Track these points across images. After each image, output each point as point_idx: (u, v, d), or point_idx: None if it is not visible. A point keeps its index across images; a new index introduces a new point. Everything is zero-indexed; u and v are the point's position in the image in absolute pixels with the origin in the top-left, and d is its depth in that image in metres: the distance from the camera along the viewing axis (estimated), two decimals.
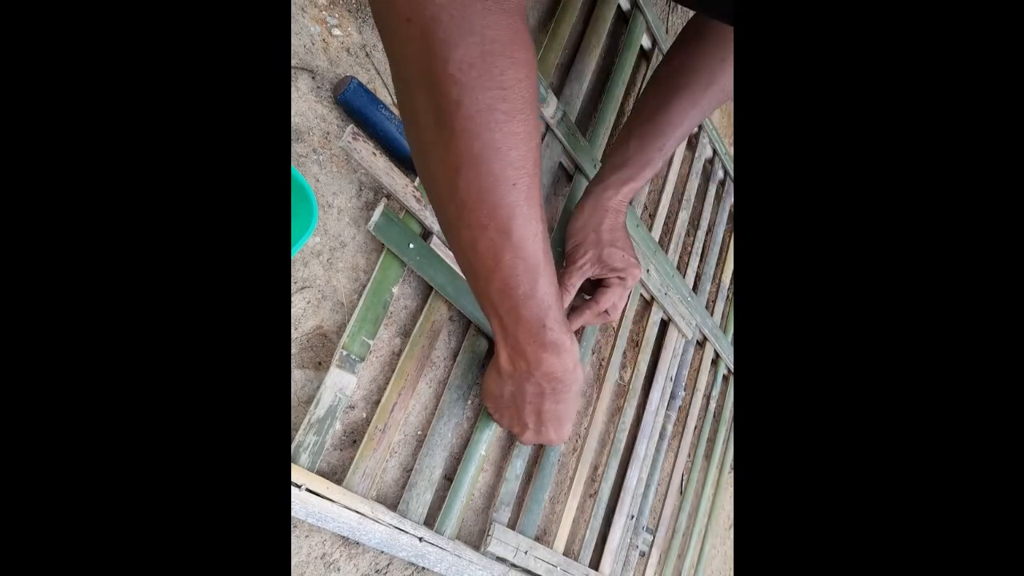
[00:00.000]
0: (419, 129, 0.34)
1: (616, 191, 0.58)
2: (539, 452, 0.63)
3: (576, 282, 0.57)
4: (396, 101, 0.46)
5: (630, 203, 0.74)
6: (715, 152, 0.93)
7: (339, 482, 0.45)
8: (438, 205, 0.37)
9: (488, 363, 0.50)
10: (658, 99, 0.58)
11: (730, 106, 1.01)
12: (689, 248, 0.90)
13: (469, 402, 0.56)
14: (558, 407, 0.49)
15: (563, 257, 0.59)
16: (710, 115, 0.63)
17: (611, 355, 0.71)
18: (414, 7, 0.29)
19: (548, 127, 0.61)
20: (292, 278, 0.44)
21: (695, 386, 0.90)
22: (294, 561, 0.44)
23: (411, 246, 0.48)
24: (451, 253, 0.51)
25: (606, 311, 0.59)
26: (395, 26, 0.30)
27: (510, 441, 0.61)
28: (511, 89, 0.31)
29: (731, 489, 1.06)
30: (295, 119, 0.44)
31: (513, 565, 0.59)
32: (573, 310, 0.60)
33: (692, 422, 0.88)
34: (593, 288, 0.60)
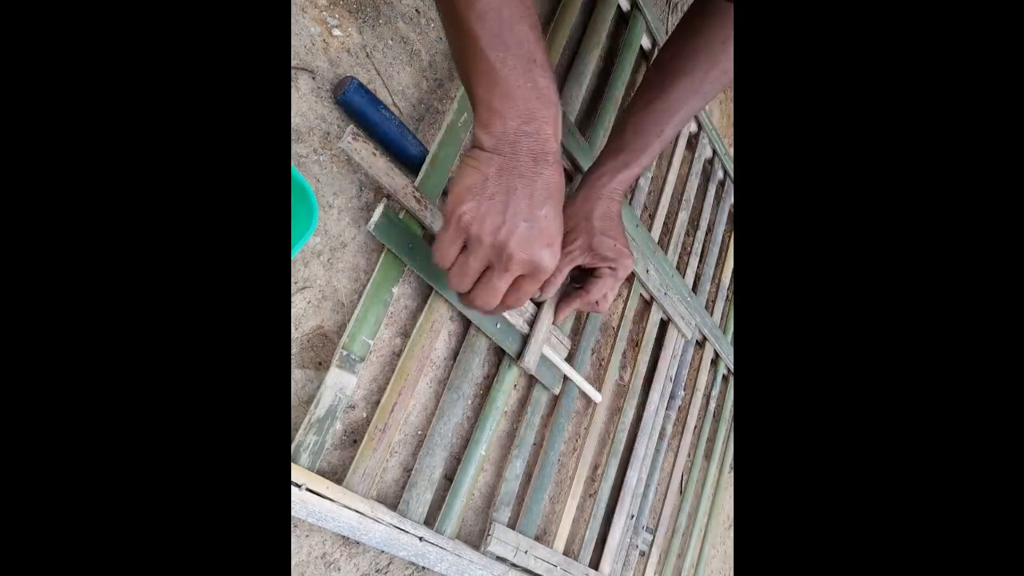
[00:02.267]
0: None
1: (611, 178, 0.56)
2: (539, 452, 0.63)
3: (564, 268, 0.56)
4: None
5: (629, 201, 0.74)
6: (715, 152, 0.93)
7: (339, 482, 0.45)
8: None
9: (459, 165, 0.39)
10: (658, 85, 0.56)
11: (730, 107, 1.01)
12: (688, 248, 0.90)
13: (469, 402, 0.56)
14: (546, 205, 0.39)
15: None
16: (713, 99, 0.60)
17: (611, 355, 0.71)
18: None
19: None
20: (293, 278, 0.44)
21: (695, 386, 0.90)
22: (294, 561, 0.44)
23: (411, 246, 0.48)
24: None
25: (596, 302, 0.59)
26: None
27: (510, 441, 0.61)
28: None
29: (731, 489, 1.06)
30: (295, 119, 0.44)
31: (513, 564, 0.59)
32: (563, 298, 0.60)
33: (692, 422, 0.88)
34: (584, 277, 0.59)
